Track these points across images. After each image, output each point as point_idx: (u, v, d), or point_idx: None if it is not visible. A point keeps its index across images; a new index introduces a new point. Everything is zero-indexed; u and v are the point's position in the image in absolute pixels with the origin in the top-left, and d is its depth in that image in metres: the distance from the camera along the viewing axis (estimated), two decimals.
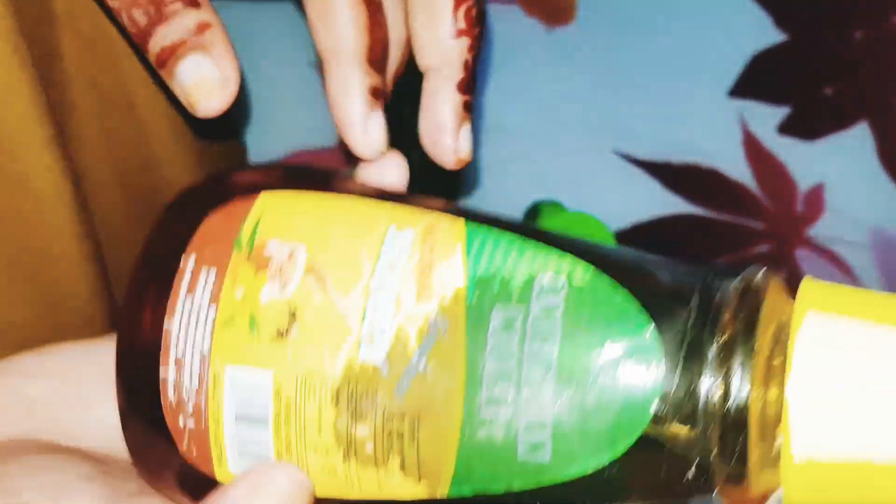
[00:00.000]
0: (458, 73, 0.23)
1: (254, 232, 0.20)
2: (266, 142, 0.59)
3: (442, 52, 0.23)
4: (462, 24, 0.23)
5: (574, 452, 0.16)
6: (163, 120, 0.34)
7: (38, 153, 0.29)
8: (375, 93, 0.23)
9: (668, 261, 0.17)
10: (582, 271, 0.18)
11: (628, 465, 0.16)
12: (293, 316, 0.19)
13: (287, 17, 0.65)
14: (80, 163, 0.34)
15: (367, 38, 0.23)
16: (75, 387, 0.23)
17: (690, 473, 0.16)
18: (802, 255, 0.59)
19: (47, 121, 0.29)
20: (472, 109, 0.22)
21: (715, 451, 0.16)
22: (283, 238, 0.19)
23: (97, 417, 0.23)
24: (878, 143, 0.65)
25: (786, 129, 0.65)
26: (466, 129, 0.23)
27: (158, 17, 0.21)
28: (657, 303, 0.16)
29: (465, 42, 0.23)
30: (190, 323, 0.19)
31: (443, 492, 0.18)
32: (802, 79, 0.67)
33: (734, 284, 0.16)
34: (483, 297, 0.17)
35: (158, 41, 0.22)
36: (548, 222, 0.35)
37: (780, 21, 0.69)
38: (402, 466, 0.18)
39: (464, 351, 0.17)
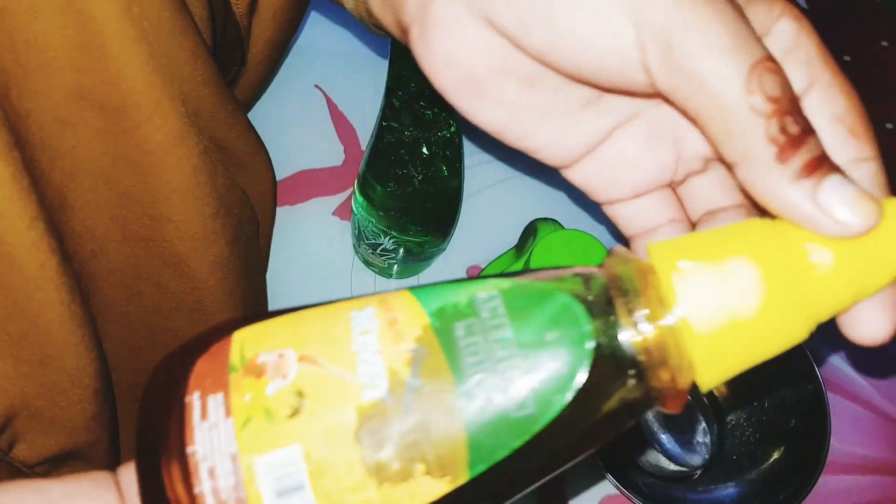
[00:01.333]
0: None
1: (242, 355, 0.23)
2: (273, 162, 0.60)
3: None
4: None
5: (548, 397, 0.21)
6: (173, 176, 0.36)
7: (23, 232, 0.31)
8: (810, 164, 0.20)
9: (567, 267, 0.21)
10: (506, 282, 0.22)
11: (586, 393, 0.21)
12: (300, 394, 0.22)
13: (293, 40, 0.66)
14: (77, 228, 0.36)
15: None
16: None
17: (631, 386, 0.21)
18: None
19: (31, 201, 0.31)
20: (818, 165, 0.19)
21: (641, 365, 0.21)
22: (269, 348, 0.23)
23: None
24: None
25: None
26: (824, 184, 0.19)
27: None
28: (569, 282, 0.22)
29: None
30: (213, 439, 0.22)
31: (464, 478, 0.21)
32: None
33: (614, 260, 0.22)
34: (443, 320, 0.22)
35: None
36: (545, 240, 0.36)
37: None
38: (427, 471, 0.21)
39: (445, 360, 0.21)
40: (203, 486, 0.22)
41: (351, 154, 0.62)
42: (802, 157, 0.20)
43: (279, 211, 0.59)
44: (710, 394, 0.54)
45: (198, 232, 0.38)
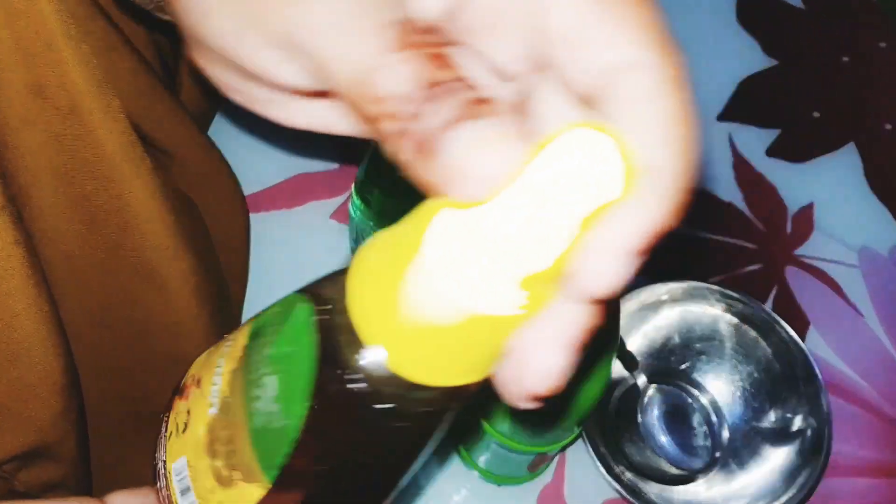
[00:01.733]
0: None
1: (185, 378, 0.28)
2: (269, 167, 0.60)
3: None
4: None
5: (291, 404, 0.21)
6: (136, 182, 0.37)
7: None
8: None
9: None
10: (292, 296, 0.24)
11: (320, 396, 0.21)
12: (188, 412, 0.26)
13: None
14: (45, 229, 0.36)
15: None
16: None
17: (353, 384, 0.20)
18: (792, 273, 0.61)
19: None
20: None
21: (350, 362, 0.20)
22: (195, 371, 0.27)
23: None
24: (865, 164, 0.66)
25: (775, 151, 0.66)
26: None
27: None
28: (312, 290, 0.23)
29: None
30: (160, 449, 0.27)
31: (267, 484, 0.23)
32: (791, 102, 0.69)
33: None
34: (252, 339, 0.24)
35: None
36: None
37: (769, 47, 0.71)
38: (242, 477, 0.24)
39: (242, 377, 0.24)
40: (158, 485, 0.27)
41: (348, 157, 0.62)
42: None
43: (277, 214, 0.58)
44: (711, 396, 0.53)
45: (163, 242, 0.38)
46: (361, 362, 0.20)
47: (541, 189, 0.18)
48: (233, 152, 0.61)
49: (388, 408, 0.21)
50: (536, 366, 0.19)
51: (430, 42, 0.18)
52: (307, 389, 0.21)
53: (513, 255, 0.18)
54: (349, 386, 0.21)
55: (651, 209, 0.17)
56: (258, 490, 0.23)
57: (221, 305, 0.44)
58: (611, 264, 0.17)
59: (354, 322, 0.21)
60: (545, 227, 0.18)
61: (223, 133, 0.61)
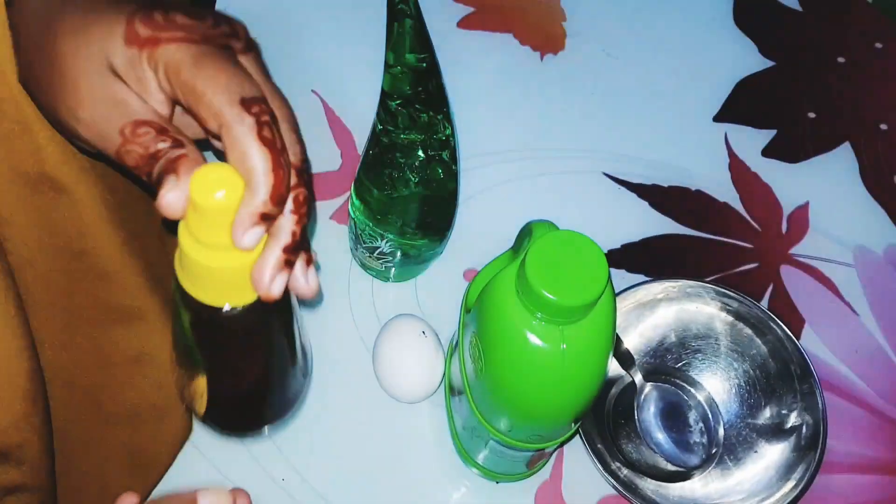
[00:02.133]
0: (286, 239, 0.31)
1: None
2: None
3: (276, 224, 0.31)
4: (291, 205, 0.31)
5: (181, 318, 0.33)
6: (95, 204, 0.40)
7: None
8: (265, 218, 0.30)
9: None
10: None
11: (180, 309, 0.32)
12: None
13: (290, 45, 0.66)
14: (9, 235, 0.37)
15: (272, 178, 0.30)
16: None
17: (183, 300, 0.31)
18: (787, 272, 0.61)
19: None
20: (292, 266, 0.31)
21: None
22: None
23: None
24: (861, 164, 0.67)
25: (770, 151, 0.67)
26: (282, 277, 0.31)
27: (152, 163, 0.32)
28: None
29: (292, 219, 0.31)
30: None
31: (201, 375, 0.36)
32: (786, 103, 0.69)
33: None
34: None
35: (154, 173, 0.32)
36: (540, 240, 0.37)
37: (766, 48, 0.72)
38: (197, 375, 0.36)
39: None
40: None
41: (348, 158, 0.62)
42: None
43: None
44: (707, 394, 0.54)
45: (115, 243, 0.41)
46: (187, 300, 0.31)
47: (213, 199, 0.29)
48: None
49: (212, 319, 0.31)
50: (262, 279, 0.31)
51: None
52: (184, 319, 0.33)
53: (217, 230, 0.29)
54: (186, 311, 0.32)
55: (256, 195, 0.29)
56: (202, 380, 0.35)
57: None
58: (252, 222, 0.29)
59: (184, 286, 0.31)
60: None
61: None
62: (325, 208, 0.60)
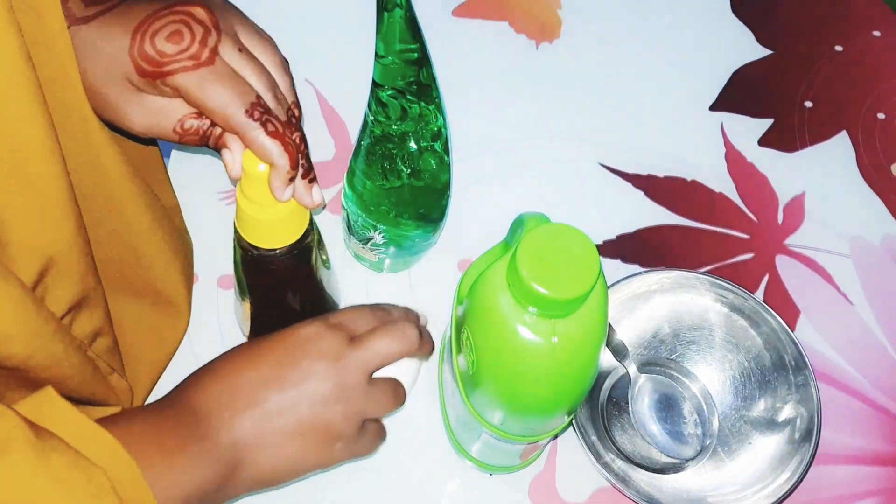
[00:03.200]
0: (301, 171, 0.42)
1: None
2: None
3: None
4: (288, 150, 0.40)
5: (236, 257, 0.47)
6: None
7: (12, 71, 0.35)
8: (305, 176, 0.42)
9: None
10: None
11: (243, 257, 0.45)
12: None
13: (283, 32, 0.66)
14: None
15: (287, 156, 0.40)
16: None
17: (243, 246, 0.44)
18: (783, 263, 0.61)
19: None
20: (314, 180, 0.42)
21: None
22: None
23: None
24: (858, 154, 0.66)
25: (767, 141, 0.66)
26: (316, 189, 0.42)
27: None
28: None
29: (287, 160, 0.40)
30: None
31: (247, 300, 0.51)
32: (783, 92, 0.69)
33: None
34: None
35: (213, 139, 0.43)
36: (531, 233, 0.36)
37: (763, 37, 0.71)
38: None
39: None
40: None
41: (341, 148, 0.62)
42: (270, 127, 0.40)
43: None
44: (702, 385, 0.54)
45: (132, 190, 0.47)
46: (240, 241, 0.44)
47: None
48: None
49: (256, 256, 0.44)
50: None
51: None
52: (237, 257, 0.46)
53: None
54: (238, 250, 0.45)
55: (279, 169, 0.40)
56: (248, 305, 0.50)
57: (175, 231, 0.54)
58: (284, 185, 0.41)
59: (239, 231, 0.43)
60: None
61: None
62: None
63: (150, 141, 0.53)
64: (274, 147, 0.39)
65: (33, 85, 0.35)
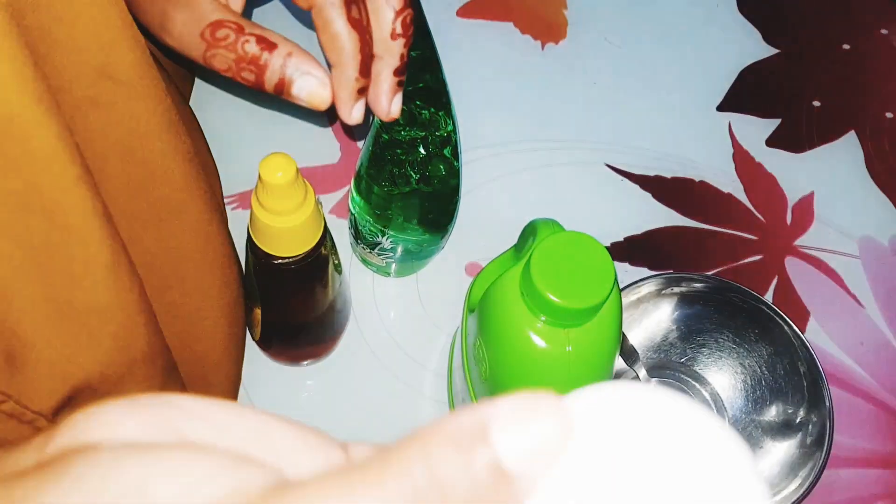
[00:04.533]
0: (395, 62, 0.34)
1: None
2: None
3: (385, 47, 0.33)
4: (399, 29, 0.33)
5: (248, 263, 0.46)
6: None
7: (69, 189, 0.30)
8: (362, 91, 0.35)
9: None
10: None
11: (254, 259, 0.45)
12: None
13: (289, 35, 0.65)
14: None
15: (360, 56, 0.33)
16: (230, 443, 0.20)
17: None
18: (792, 264, 0.61)
19: (76, 158, 0.30)
20: (402, 86, 0.36)
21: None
22: None
23: None
24: (866, 154, 0.66)
25: (775, 141, 0.66)
26: (398, 97, 0.36)
27: (261, 69, 0.32)
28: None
29: (401, 42, 0.33)
30: None
31: (257, 306, 0.51)
32: (791, 92, 0.68)
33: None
34: None
35: (270, 82, 0.33)
36: (545, 242, 0.36)
37: (770, 36, 0.71)
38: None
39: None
40: None
41: (347, 152, 0.61)
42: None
43: None
44: (712, 390, 0.53)
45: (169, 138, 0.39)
46: (254, 248, 0.43)
47: None
48: (231, 147, 0.60)
49: (271, 264, 0.42)
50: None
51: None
52: (250, 263, 0.45)
53: None
54: (251, 256, 0.44)
55: (346, 71, 0.35)
56: (259, 311, 0.49)
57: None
58: (353, 99, 0.35)
59: (254, 239, 0.42)
60: None
61: (222, 127, 0.61)
62: (324, 203, 0.59)
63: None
64: (349, 39, 0.32)
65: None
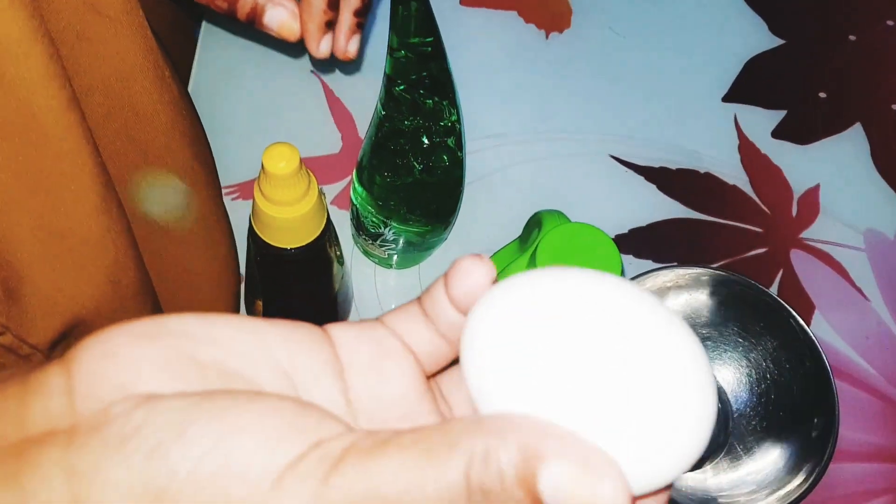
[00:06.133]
0: (355, 2, 0.36)
1: None
2: None
3: None
4: None
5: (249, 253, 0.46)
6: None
7: (61, 113, 0.30)
8: (329, 25, 0.37)
9: None
10: None
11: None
12: None
13: None
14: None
15: None
16: (237, 358, 0.21)
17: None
18: (798, 257, 0.60)
19: (67, 85, 0.30)
20: (363, 28, 0.37)
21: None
22: None
23: (258, 389, 0.20)
24: (872, 146, 0.65)
25: (781, 133, 0.65)
26: (355, 39, 0.38)
27: None
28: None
29: None
30: None
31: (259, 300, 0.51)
32: (797, 83, 0.68)
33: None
34: None
35: (242, 10, 0.35)
36: (551, 233, 0.35)
37: (776, 27, 0.70)
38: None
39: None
40: None
41: (348, 142, 0.61)
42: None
43: None
44: (717, 384, 0.53)
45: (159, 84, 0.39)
46: (255, 238, 0.42)
47: None
48: (232, 137, 0.60)
49: (273, 255, 0.42)
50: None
51: None
52: (251, 253, 0.45)
53: None
54: (253, 246, 0.44)
55: (315, 6, 0.36)
56: (259, 301, 0.49)
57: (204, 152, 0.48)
58: (321, 32, 0.37)
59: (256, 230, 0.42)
60: None
61: (223, 116, 0.61)
62: (325, 193, 0.59)
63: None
64: None
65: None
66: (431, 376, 0.23)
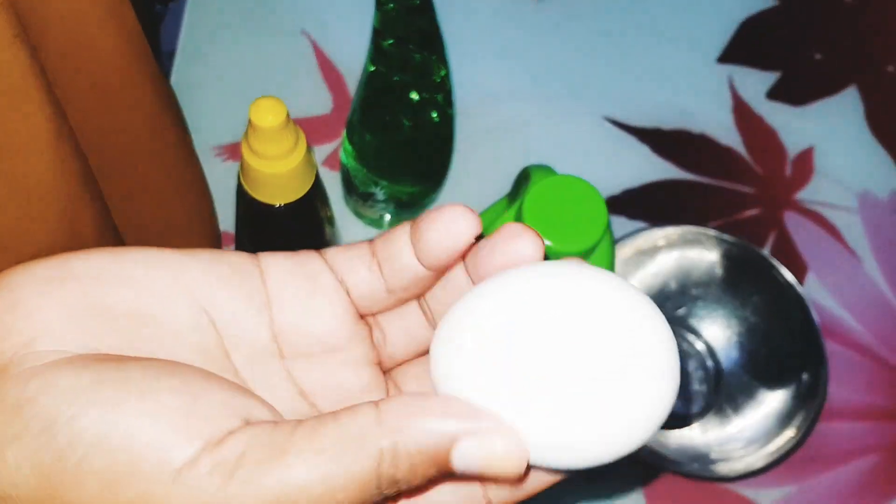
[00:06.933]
0: None
1: None
2: None
3: None
4: None
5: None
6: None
7: (4, 47, 0.29)
8: None
9: None
10: None
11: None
12: None
13: None
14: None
15: None
16: (150, 298, 0.20)
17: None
18: (791, 218, 0.60)
19: (13, 21, 0.29)
20: None
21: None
22: None
23: (173, 331, 0.20)
24: (867, 108, 0.65)
25: (775, 94, 0.65)
26: None
27: None
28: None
29: None
30: None
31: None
32: (792, 44, 0.67)
33: None
34: None
35: None
36: (537, 185, 0.35)
37: None
38: None
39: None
40: None
41: (339, 102, 0.61)
42: None
43: None
44: (708, 341, 0.53)
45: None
46: (244, 195, 0.42)
47: None
48: (221, 98, 0.59)
49: (262, 211, 0.42)
50: None
51: None
52: (240, 210, 0.45)
53: None
54: (242, 203, 0.44)
55: None
56: None
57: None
58: None
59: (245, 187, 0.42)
60: None
61: (210, 78, 0.60)
62: (316, 154, 0.58)
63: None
64: None
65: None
66: (370, 316, 0.24)
